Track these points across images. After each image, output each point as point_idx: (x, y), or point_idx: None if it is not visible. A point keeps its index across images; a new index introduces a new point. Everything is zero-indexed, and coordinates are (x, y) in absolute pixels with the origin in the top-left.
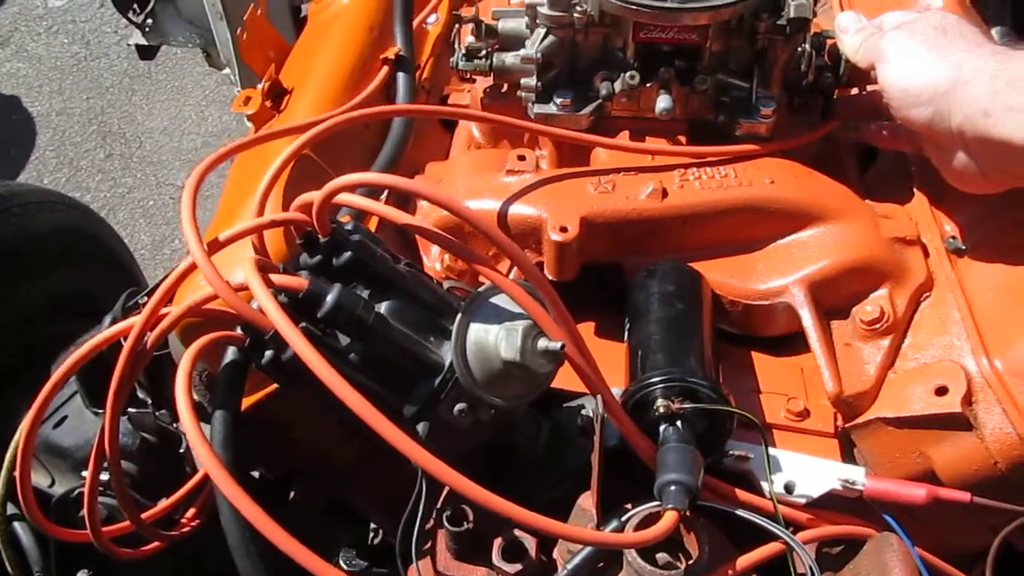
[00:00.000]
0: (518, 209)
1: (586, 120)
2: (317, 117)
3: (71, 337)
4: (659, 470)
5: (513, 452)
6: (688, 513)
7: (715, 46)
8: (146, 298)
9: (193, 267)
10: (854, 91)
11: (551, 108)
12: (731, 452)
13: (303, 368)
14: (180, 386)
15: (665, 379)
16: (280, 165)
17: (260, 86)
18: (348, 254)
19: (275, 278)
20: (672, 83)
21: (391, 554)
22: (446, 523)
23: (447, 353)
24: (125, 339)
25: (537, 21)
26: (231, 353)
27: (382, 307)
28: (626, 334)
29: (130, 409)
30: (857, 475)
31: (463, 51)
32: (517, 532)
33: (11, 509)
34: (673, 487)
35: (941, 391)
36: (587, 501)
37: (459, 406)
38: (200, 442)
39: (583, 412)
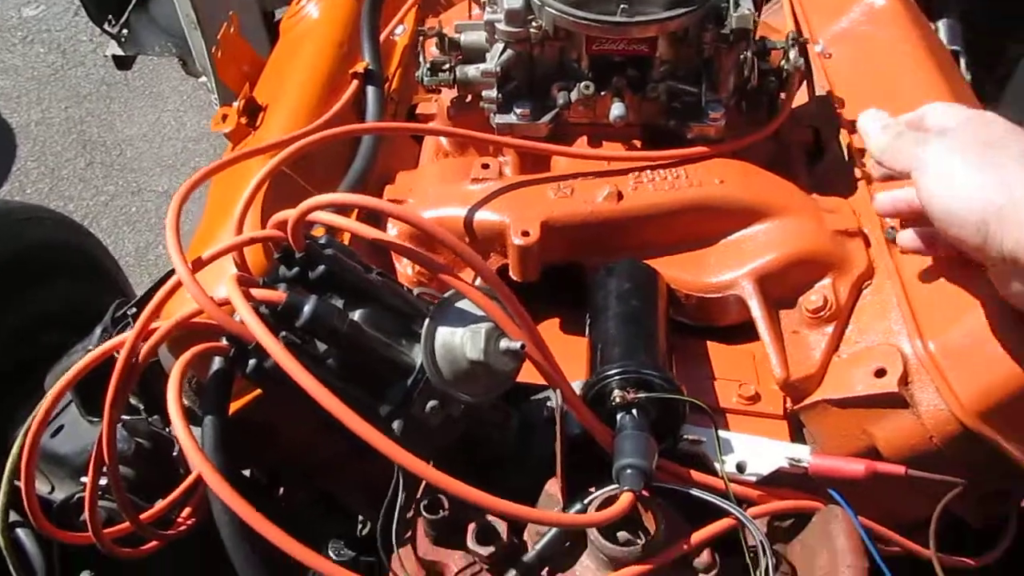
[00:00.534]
0: (483, 216)
1: (545, 128)
2: (291, 135)
3: (61, 348)
4: (616, 455)
5: (485, 444)
6: (644, 494)
7: (664, 55)
8: (134, 309)
9: (180, 284)
10: (893, 189)
11: (511, 118)
12: (685, 436)
13: (284, 375)
14: (172, 395)
15: (621, 372)
16: (256, 185)
17: (236, 104)
18: (322, 267)
19: (255, 292)
20: (625, 91)
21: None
22: (424, 511)
23: (418, 355)
24: (118, 353)
25: (496, 36)
26: (217, 363)
27: (356, 315)
28: (587, 330)
29: (124, 416)
30: (803, 453)
31: (427, 65)
32: (489, 517)
33: (13, 516)
34: (629, 470)
35: (880, 373)
36: (553, 487)
37: (431, 404)
38: (192, 447)
39: (549, 404)
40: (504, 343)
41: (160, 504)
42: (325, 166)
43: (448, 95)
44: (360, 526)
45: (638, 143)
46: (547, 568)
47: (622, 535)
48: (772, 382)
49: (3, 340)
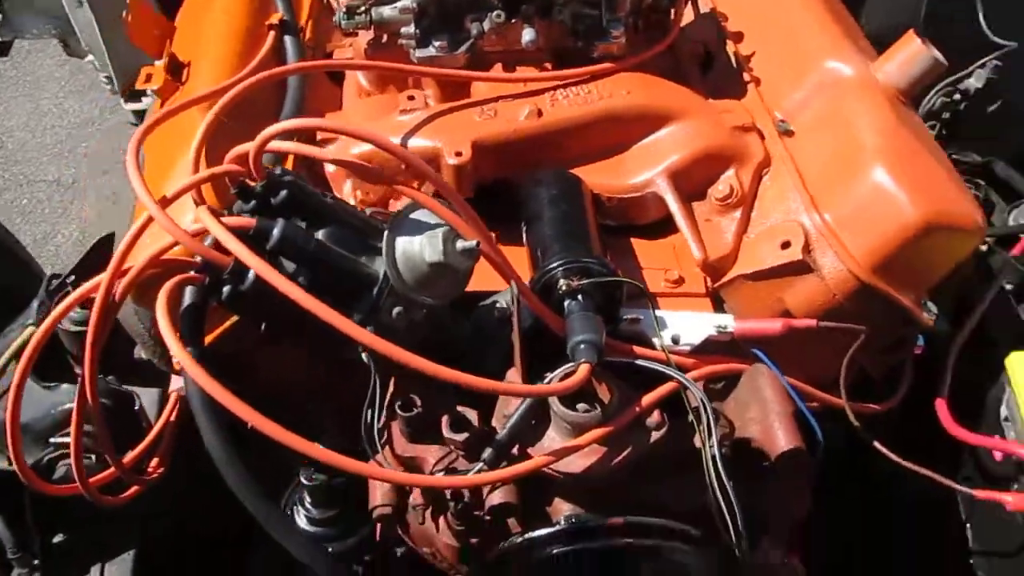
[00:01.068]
0: (416, 142)
1: (463, 58)
2: (225, 83)
3: None
4: (569, 335)
5: (445, 347)
6: (598, 366)
7: None
8: (72, 277)
9: (146, 225)
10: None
11: (431, 51)
12: (625, 317)
13: (261, 293)
14: (161, 315)
15: (564, 263)
16: (206, 127)
17: (159, 62)
18: (284, 192)
19: (226, 220)
20: (533, 17)
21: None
22: (399, 411)
23: (380, 267)
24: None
25: None
26: (189, 296)
27: (319, 235)
28: (524, 237)
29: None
30: (727, 320)
31: (344, 10)
32: (460, 408)
33: None
34: (583, 345)
35: (786, 245)
36: (513, 375)
37: (396, 310)
38: (187, 359)
39: (498, 306)
40: (460, 243)
41: (136, 450)
42: (253, 116)
43: (364, 38)
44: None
45: (549, 65)
46: (517, 445)
47: (581, 407)
48: (693, 266)
49: None
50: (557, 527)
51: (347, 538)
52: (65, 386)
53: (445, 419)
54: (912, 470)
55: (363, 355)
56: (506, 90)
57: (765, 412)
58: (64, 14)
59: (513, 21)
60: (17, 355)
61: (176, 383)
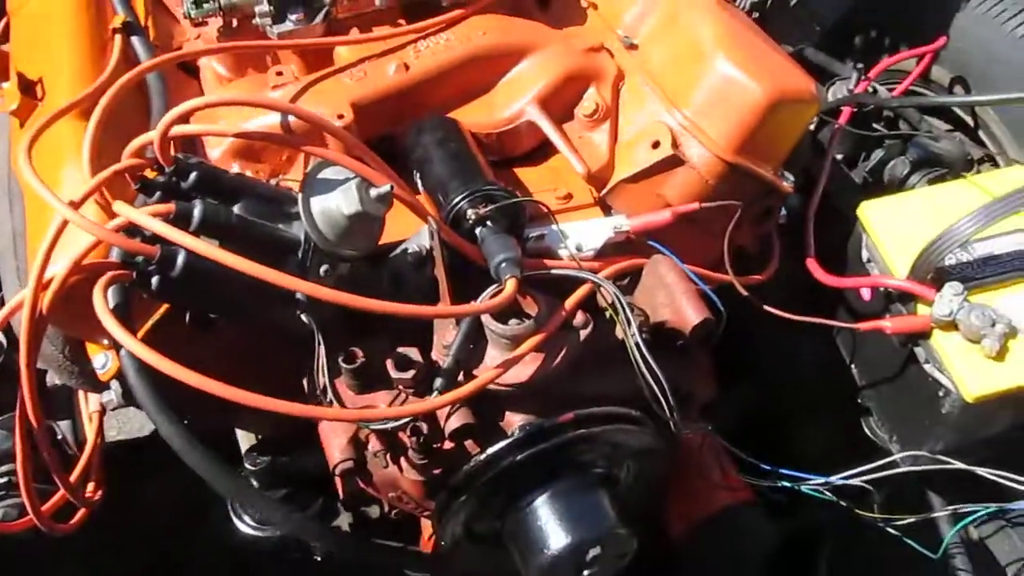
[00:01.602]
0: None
1: (321, 28)
2: (89, 88)
3: None
4: (489, 258)
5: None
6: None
7: None
8: None
9: (61, 231)
10: None
11: (288, 25)
12: (530, 236)
13: (192, 276)
14: (100, 307)
15: (467, 194)
16: (94, 131)
17: (7, 84)
18: (195, 174)
19: (146, 209)
20: None
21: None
22: (343, 364)
23: (299, 230)
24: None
25: None
26: (114, 296)
27: (236, 209)
28: (420, 184)
29: None
30: (621, 221)
31: (191, 1)
32: (400, 349)
33: None
34: (503, 263)
35: (655, 145)
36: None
37: (323, 268)
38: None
39: (410, 251)
40: (374, 190)
41: (76, 470)
42: (116, 120)
43: (212, 27)
44: None
45: (403, 22)
46: (462, 371)
47: (512, 321)
48: (577, 181)
49: None
50: (514, 437)
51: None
52: None
53: (389, 362)
54: (799, 320)
55: (302, 316)
56: (369, 51)
57: (672, 295)
58: None
59: None
60: None
61: (94, 403)
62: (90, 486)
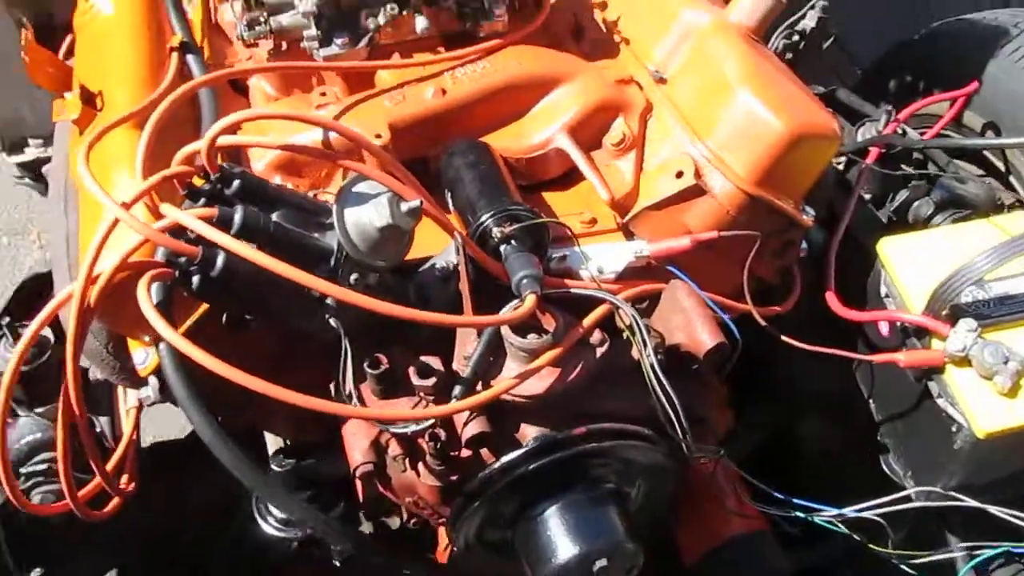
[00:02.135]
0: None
1: (365, 52)
2: (147, 100)
3: None
4: (511, 274)
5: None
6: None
7: None
8: (7, 318)
9: (111, 229)
10: None
11: (334, 49)
12: (553, 256)
13: (231, 276)
14: (144, 301)
15: (493, 213)
16: (148, 139)
17: (70, 95)
18: (237, 182)
19: (191, 211)
20: (422, 6)
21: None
22: (368, 370)
23: (332, 240)
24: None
25: None
26: (156, 294)
27: (274, 217)
28: (450, 204)
29: (36, 410)
30: (642, 246)
31: (245, 23)
32: (423, 358)
33: None
34: (525, 280)
35: (679, 175)
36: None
37: (353, 276)
38: (170, 334)
39: (437, 266)
40: (404, 204)
41: (112, 460)
42: (167, 131)
43: (263, 49)
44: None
45: (442, 49)
46: (481, 381)
47: (531, 335)
48: (602, 207)
49: None
50: (528, 447)
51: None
52: (23, 419)
53: (411, 369)
54: (817, 352)
55: (331, 320)
56: (409, 76)
57: (688, 319)
58: None
59: (405, 13)
60: None
61: (132, 399)
62: (124, 478)
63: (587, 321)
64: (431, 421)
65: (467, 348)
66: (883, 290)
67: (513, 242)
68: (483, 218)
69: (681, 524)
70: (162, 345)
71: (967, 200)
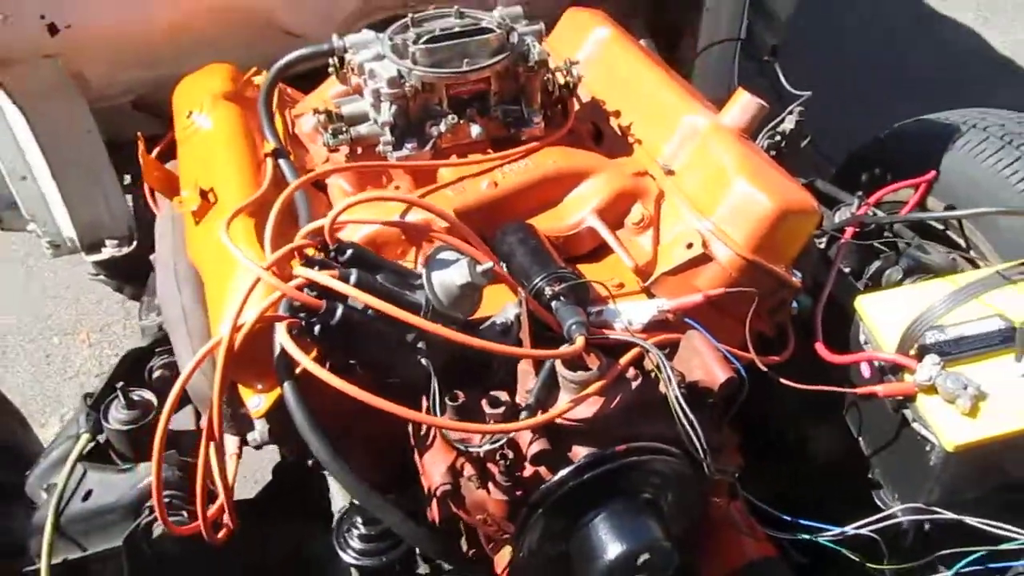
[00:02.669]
0: (412, 217)
1: (429, 155)
2: (256, 194)
3: None
4: (562, 322)
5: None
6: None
7: (496, 88)
8: (120, 383)
9: (253, 287)
10: None
11: (405, 152)
12: (591, 312)
13: (347, 325)
14: (286, 341)
15: (545, 276)
16: (275, 222)
17: (187, 192)
18: (350, 251)
19: (316, 274)
20: (476, 117)
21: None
22: (448, 402)
23: (421, 297)
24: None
25: (381, 99)
26: (280, 344)
27: (378, 278)
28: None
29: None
30: (663, 303)
31: (329, 132)
32: (493, 392)
33: None
34: (574, 325)
35: (690, 246)
36: (525, 364)
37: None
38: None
39: (497, 322)
40: (480, 267)
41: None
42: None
43: (340, 154)
44: None
45: (491, 151)
46: (540, 409)
47: (579, 371)
48: (627, 274)
49: None
50: (580, 462)
51: (398, 548)
52: (142, 465)
53: (484, 401)
54: (812, 390)
55: (423, 360)
56: (466, 172)
57: (704, 360)
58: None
59: (462, 122)
60: (81, 456)
61: (232, 446)
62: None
63: (623, 360)
64: (504, 439)
65: (528, 383)
66: (862, 337)
67: (562, 298)
68: (536, 280)
69: (702, 553)
70: (286, 385)
71: (930, 266)
